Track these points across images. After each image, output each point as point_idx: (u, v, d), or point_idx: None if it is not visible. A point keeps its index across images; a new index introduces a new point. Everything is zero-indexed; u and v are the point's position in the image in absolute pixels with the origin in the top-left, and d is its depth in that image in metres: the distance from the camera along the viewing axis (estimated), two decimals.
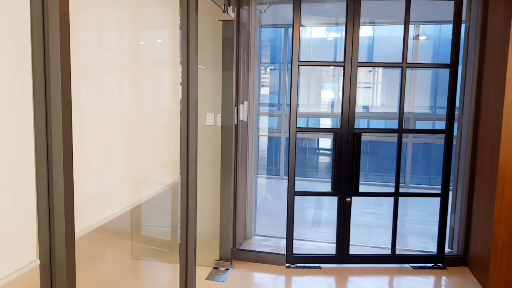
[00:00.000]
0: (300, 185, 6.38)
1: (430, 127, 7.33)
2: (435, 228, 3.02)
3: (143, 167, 1.68)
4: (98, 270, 2.18)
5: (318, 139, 8.40)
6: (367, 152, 7.76)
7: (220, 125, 2.98)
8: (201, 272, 2.82)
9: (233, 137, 2.97)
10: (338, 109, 7.75)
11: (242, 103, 3.17)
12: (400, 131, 2.98)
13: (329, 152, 8.29)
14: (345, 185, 2.96)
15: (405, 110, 3.01)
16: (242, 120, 3.19)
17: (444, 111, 2.98)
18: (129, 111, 1.53)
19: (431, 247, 3.43)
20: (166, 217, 2.61)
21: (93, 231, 1.27)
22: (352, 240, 3.06)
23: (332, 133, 2.98)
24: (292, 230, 2.99)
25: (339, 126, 2.96)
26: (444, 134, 2.94)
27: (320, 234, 3.80)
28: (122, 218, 2.50)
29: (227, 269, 2.87)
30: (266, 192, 5.49)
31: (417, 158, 7.15)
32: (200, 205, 3.27)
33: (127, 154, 1.54)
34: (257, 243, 3.45)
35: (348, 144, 2.93)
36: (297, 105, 2.93)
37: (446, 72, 2.91)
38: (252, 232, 3.54)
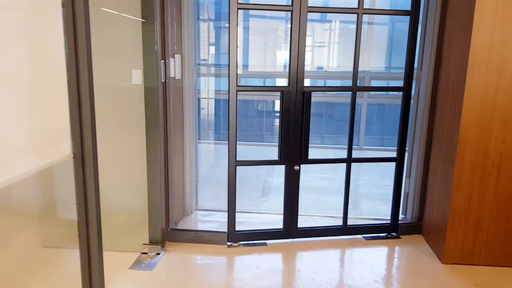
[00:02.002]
0: (254, 151, 6.03)
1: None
2: (389, 193, 2.77)
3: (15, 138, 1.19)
4: None
5: (274, 101, 8.02)
6: (323, 115, 7.51)
7: (143, 83, 2.48)
8: (126, 259, 2.41)
9: (161, 97, 2.48)
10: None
11: (173, 57, 2.67)
12: (354, 88, 2.63)
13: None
14: (293, 152, 2.60)
15: (360, 69, 2.65)
16: (174, 78, 2.70)
17: (400, 72, 2.66)
18: None
19: (385, 212, 3.23)
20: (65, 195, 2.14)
21: None
22: (303, 210, 2.76)
23: (279, 92, 2.58)
24: (234, 205, 2.62)
25: (286, 85, 2.55)
26: (401, 92, 2.63)
27: (269, 205, 3.49)
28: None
29: (158, 254, 2.48)
30: (214, 160, 5.08)
31: (371, 119, 7.00)
32: (125, 179, 2.83)
33: None
34: (199, 219, 3.08)
35: (297, 105, 2.55)
36: (237, 60, 2.48)
37: (402, 30, 2.54)
38: (192, 207, 3.15)
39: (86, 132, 1.56)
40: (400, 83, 2.63)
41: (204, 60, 6.97)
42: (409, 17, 2.53)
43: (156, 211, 2.59)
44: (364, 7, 2.46)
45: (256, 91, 6.13)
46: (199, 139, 6.01)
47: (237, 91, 2.51)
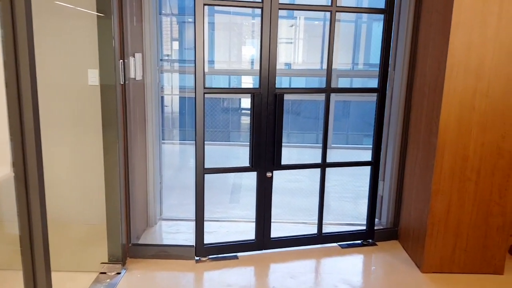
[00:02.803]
0: (221, 152, 5.81)
1: (349, 85, 7.13)
2: (362, 195, 2.67)
3: None
4: None
5: (240, 99, 7.83)
6: (289, 111, 7.41)
7: (100, 84, 2.21)
8: (82, 281, 2.15)
9: (119, 100, 2.23)
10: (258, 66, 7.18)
11: (133, 56, 2.41)
12: (328, 90, 2.50)
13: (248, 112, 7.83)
14: (265, 157, 2.43)
15: (326, 67, 2.52)
16: (135, 79, 2.44)
17: (365, 68, 2.55)
18: None
19: (359, 215, 3.14)
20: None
21: None
22: (275, 216, 2.60)
23: (250, 95, 2.39)
24: (203, 217, 2.42)
25: (258, 86, 2.37)
26: (376, 93, 2.52)
27: (239, 212, 3.31)
28: None
29: (118, 273, 2.23)
30: (180, 161, 4.83)
31: (337, 115, 6.95)
32: (80, 187, 2.56)
33: None
34: (165, 230, 2.85)
35: (269, 108, 2.38)
36: (204, 60, 2.26)
37: (368, 26, 2.43)
38: (156, 217, 2.92)
39: (29, 145, 1.31)
40: (368, 81, 2.52)
41: (168, 55, 6.67)
42: (383, 15, 2.43)
43: (116, 223, 2.34)
44: (336, 4, 2.32)
45: (226, 93, 5.86)
46: (163, 140, 5.73)
47: (204, 93, 2.30)
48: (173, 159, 4.93)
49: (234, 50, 7.19)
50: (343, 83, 6.86)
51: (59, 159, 2.75)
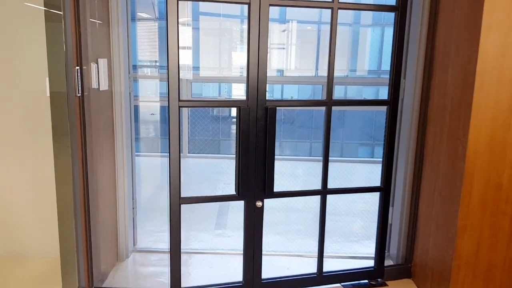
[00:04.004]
0: (209, 164, 5.36)
1: (343, 92, 6.76)
2: (367, 224, 2.28)
3: None
4: None
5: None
6: (281, 120, 7.01)
7: (50, 96, 1.79)
8: None
9: (76, 111, 1.81)
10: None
11: (95, 62, 2.00)
12: (330, 103, 2.10)
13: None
14: (254, 183, 2.02)
15: (321, 74, 2.13)
16: (98, 89, 2.03)
17: (364, 75, 2.17)
18: None
19: (363, 248, 2.74)
20: None
21: None
22: (266, 247, 2.19)
23: (236, 108, 1.98)
24: (179, 255, 1.99)
25: (245, 98, 1.96)
26: (386, 106, 2.13)
27: (226, 242, 2.89)
28: None
29: None
30: (160, 176, 4.38)
31: (332, 124, 6.58)
32: (31, 211, 2.17)
33: None
34: (139, 265, 2.42)
35: (258, 124, 1.97)
36: (179, 66, 1.85)
37: (364, 32, 2.05)
38: (129, 248, 2.48)
39: None
40: (365, 89, 2.13)
41: (156, 61, 6.26)
42: (394, 13, 2.04)
43: (71, 260, 1.91)
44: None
45: (204, 107, 5.38)
46: (141, 152, 5.27)
47: (179, 107, 1.89)
48: (153, 174, 4.49)
49: (222, 55, 6.80)
50: (338, 91, 6.49)
51: (6, 179, 2.36)
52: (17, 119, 2.29)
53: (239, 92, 7.53)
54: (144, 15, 6.26)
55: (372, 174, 4.40)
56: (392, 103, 2.10)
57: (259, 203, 2.04)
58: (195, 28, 6.27)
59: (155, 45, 6.26)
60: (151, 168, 4.78)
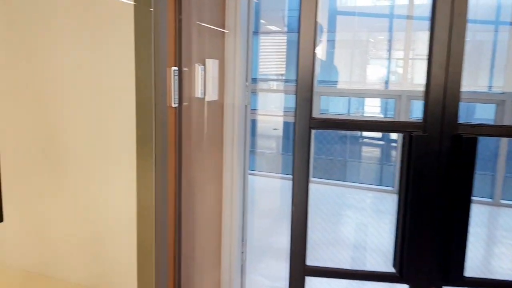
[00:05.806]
0: (333, 194, 4.51)
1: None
2: None
3: None
4: None
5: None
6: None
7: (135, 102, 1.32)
8: None
9: (171, 125, 1.30)
10: (395, 86, 5.69)
11: (202, 63, 1.49)
12: None
13: (377, 142, 6.35)
14: (429, 260, 1.22)
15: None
16: (203, 98, 1.51)
17: None
18: None
19: None
20: None
21: None
22: None
23: (402, 134, 1.22)
24: None
25: (422, 119, 1.19)
26: None
27: None
28: None
29: None
30: (281, 201, 3.76)
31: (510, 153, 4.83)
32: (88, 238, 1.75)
33: None
34: None
35: (441, 163, 1.17)
36: (314, 66, 1.19)
37: None
38: None
39: None
40: None
41: (283, 75, 5.86)
42: None
43: None
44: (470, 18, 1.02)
45: (343, 129, 4.27)
46: (257, 170, 4.70)
47: (310, 127, 1.22)
48: (270, 199, 3.90)
49: (359, 69, 5.98)
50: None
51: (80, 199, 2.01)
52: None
53: (373, 109, 6.54)
54: (273, 27, 5.97)
55: None
56: None
57: None
58: (329, 40, 5.64)
59: (282, 59, 5.85)
60: (268, 191, 4.22)
